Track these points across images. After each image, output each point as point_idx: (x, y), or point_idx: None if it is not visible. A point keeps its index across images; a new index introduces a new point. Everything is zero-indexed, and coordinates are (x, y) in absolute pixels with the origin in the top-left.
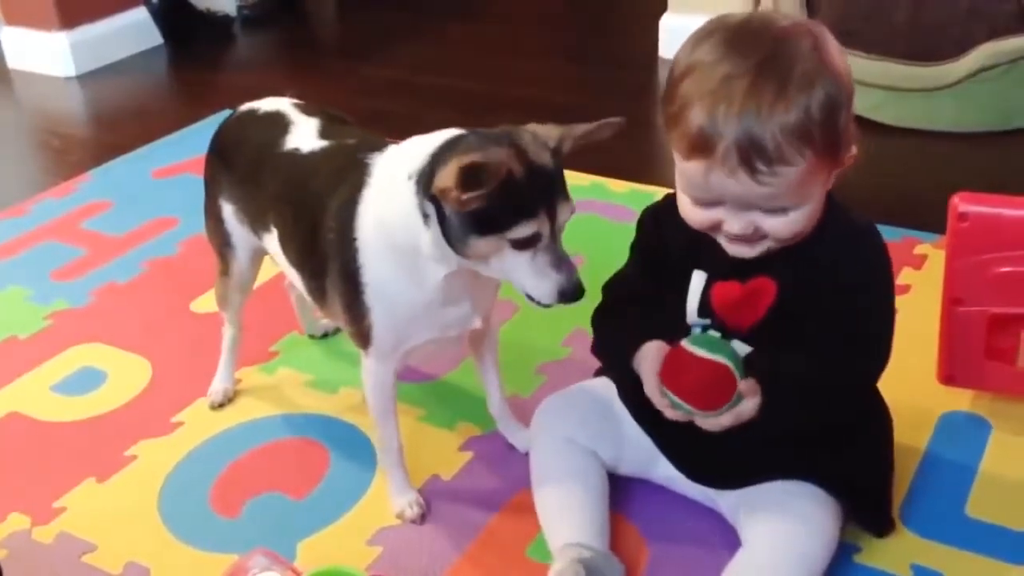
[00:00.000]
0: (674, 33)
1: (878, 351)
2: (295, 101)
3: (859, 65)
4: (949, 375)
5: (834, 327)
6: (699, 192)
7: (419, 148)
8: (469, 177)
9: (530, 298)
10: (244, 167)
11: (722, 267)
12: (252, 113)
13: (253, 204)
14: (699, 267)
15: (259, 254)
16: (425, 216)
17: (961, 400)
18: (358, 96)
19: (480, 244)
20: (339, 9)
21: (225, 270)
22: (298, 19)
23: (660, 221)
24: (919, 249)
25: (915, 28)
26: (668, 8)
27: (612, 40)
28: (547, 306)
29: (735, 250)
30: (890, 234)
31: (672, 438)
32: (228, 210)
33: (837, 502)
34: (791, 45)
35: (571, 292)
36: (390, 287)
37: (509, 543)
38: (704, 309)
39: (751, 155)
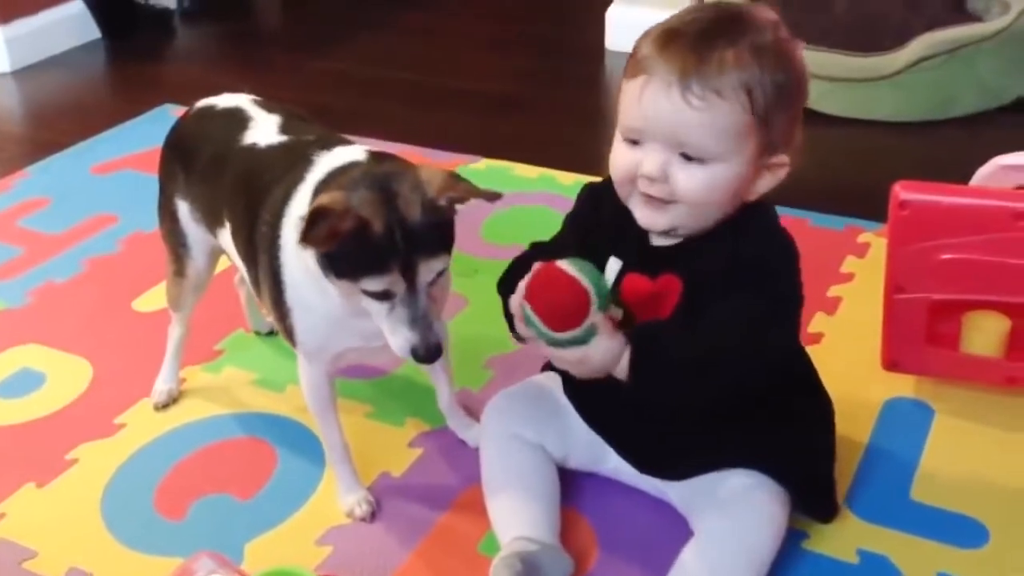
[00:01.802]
0: (620, 25)
1: (777, 331)
2: (253, 97)
3: None
4: (892, 361)
5: (731, 303)
6: (630, 119)
7: (336, 159)
8: (312, 222)
9: None
10: (202, 164)
11: (636, 259)
12: (210, 109)
13: (210, 201)
14: (617, 254)
15: (215, 253)
16: None
17: (905, 385)
18: (304, 90)
19: (338, 284)
20: (284, 1)
21: (180, 271)
22: (242, 11)
23: (598, 196)
24: (862, 238)
25: (855, 19)
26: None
27: (559, 31)
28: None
29: (645, 216)
30: (833, 223)
31: (617, 430)
32: (184, 208)
33: (784, 490)
34: (755, 21)
35: (422, 353)
36: (305, 292)
37: (460, 539)
38: (615, 297)
39: (690, 77)
